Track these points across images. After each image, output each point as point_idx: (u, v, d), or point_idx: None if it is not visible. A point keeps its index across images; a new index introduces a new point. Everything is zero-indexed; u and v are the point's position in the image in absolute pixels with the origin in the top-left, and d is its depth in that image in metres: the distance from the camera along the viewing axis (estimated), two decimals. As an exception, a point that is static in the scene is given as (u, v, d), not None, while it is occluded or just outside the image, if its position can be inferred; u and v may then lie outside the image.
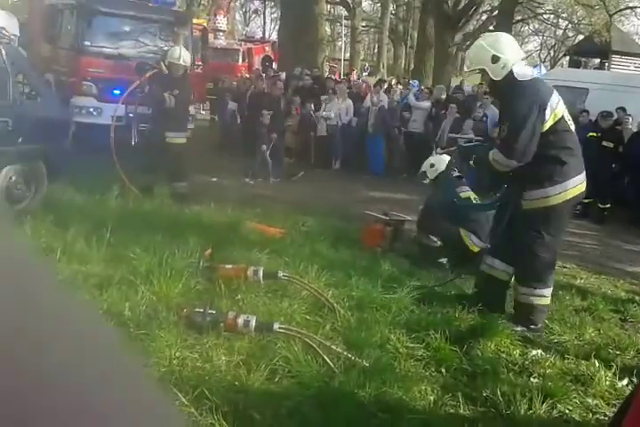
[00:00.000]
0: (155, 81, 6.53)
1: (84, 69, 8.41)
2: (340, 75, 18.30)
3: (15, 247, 0.26)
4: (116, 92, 8.19)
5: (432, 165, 5.35)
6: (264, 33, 32.32)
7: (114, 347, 0.27)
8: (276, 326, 3.29)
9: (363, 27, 29.14)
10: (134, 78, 7.81)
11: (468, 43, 17.93)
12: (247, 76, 13.75)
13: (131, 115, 7.99)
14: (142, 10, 9.21)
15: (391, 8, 29.58)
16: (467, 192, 5.21)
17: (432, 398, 2.96)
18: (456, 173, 5.37)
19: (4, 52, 5.26)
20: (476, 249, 4.87)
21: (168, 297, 3.60)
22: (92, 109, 8.33)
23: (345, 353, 3.20)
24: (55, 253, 3.99)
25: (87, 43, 8.54)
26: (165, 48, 9.56)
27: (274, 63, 17.00)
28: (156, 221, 5.15)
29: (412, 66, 21.95)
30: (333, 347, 3.24)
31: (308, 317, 3.65)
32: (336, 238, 5.29)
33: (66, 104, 7.40)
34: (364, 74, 25.94)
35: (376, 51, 34.33)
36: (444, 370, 3.26)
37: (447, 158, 5.26)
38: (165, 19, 9.52)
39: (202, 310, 3.32)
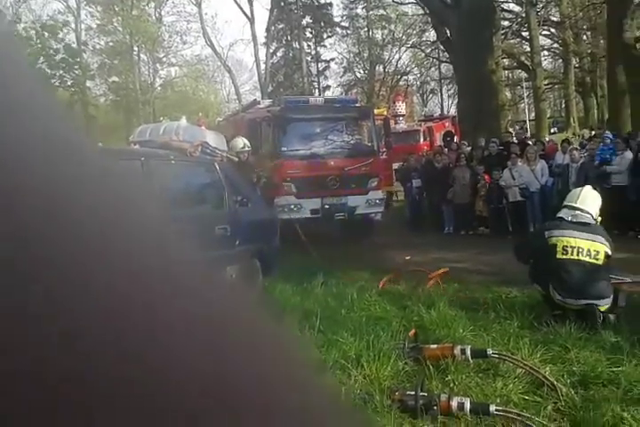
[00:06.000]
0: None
1: (283, 172, 9.35)
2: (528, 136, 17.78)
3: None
4: (311, 188, 9.01)
5: None
6: (442, 109, 33.02)
7: None
8: (492, 408, 3.16)
9: (546, 85, 28.37)
10: (326, 174, 8.47)
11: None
12: (427, 153, 14.05)
13: (326, 206, 8.63)
14: (329, 111, 10.12)
15: (574, 62, 28.58)
16: None
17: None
18: None
19: (218, 168, 6.11)
20: None
21: (379, 380, 3.67)
22: (292, 206, 9.16)
23: (573, 436, 2.95)
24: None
25: (284, 148, 9.53)
26: (352, 142, 10.34)
27: (455, 137, 17.18)
28: (358, 304, 5.36)
29: (607, 116, 20.65)
30: (559, 429, 3.01)
31: (525, 397, 3.44)
32: (545, 309, 4.98)
33: (271, 205, 8.23)
34: (553, 130, 24.97)
35: (563, 106, 33.03)
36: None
37: None
38: (350, 115, 10.32)
39: (414, 393, 3.33)
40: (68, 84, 25.93)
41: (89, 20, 32.11)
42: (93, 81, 30.46)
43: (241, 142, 7.93)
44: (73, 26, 29.83)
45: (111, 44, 31.94)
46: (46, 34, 25.05)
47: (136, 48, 31.81)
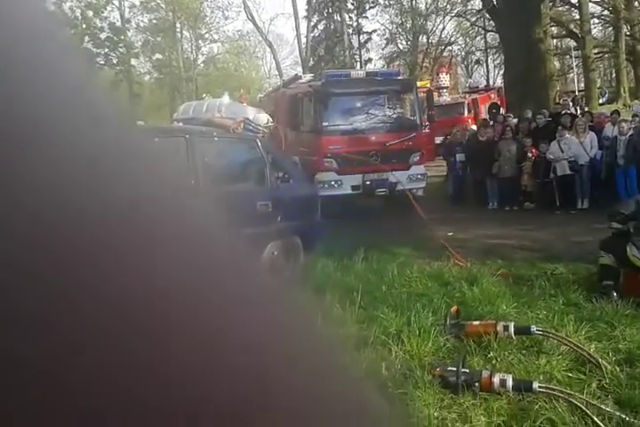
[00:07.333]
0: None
1: (324, 148, 9.33)
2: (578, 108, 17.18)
3: None
4: (352, 164, 9.00)
5: None
6: (488, 81, 32.10)
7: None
8: (535, 385, 3.15)
9: (595, 54, 27.23)
10: (368, 149, 8.46)
11: None
12: (472, 127, 13.73)
13: (367, 182, 8.62)
14: (370, 85, 9.98)
15: (625, 30, 27.30)
16: None
17: None
18: None
19: (260, 144, 6.14)
20: None
21: (420, 356, 3.69)
22: (333, 182, 9.16)
23: (618, 413, 2.91)
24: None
25: (325, 123, 9.49)
26: (394, 116, 10.20)
27: (501, 109, 16.74)
28: (398, 280, 5.36)
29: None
30: (603, 407, 2.97)
31: (569, 374, 3.41)
32: (592, 286, 4.89)
33: (312, 181, 8.24)
34: (601, 101, 24.03)
35: (613, 76, 31.71)
36: None
37: None
38: (392, 89, 10.15)
39: (455, 369, 3.34)
40: (114, 62, 26.30)
41: (132, -3, 32.32)
42: (138, 59, 30.79)
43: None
44: (116, 3, 30.07)
45: (154, 21, 32.12)
46: (90, 13, 25.37)
47: (179, 25, 31.93)
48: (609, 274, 4.79)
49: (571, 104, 15.96)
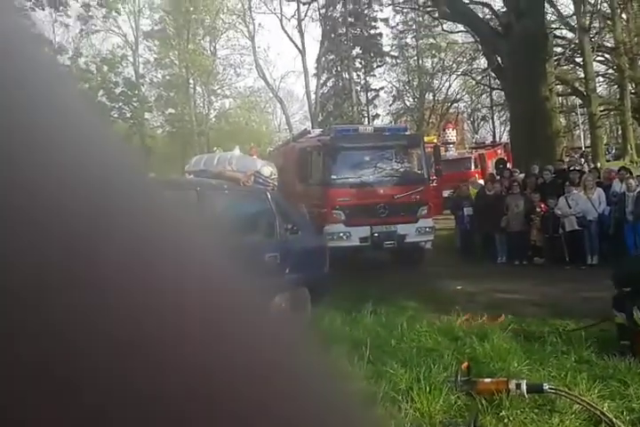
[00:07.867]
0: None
1: (333, 200, 9.43)
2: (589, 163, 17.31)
3: None
4: (361, 216, 9.08)
5: None
6: (494, 137, 32.59)
7: None
8: (548, 445, 3.07)
9: (601, 111, 27.69)
10: (376, 202, 8.52)
11: None
12: (479, 181, 13.90)
13: (376, 235, 8.64)
14: (378, 139, 10.18)
15: (630, 88, 27.90)
16: None
17: None
18: None
19: (269, 197, 6.22)
20: None
21: (430, 414, 3.60)
22: (341, 234, 9.19)
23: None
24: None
25: (334, 176, 9.62)
26: (401, 170, 10.35)
27: (508, 164, 16.93)
28: (407, 335, 5.29)
29: (666, 142, 19.95)
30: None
31: (583, 434, 3.32)
32: (604, 342, 4.81)
33: (320, 233, 8.27)
34: (607, 157, 24.28)
35: (620, 133, 32.14)
36: None
37: None
38: (399, 143, 10.34)
39: (466, 428, 3.25)
40: (127, 116, 26.98)
41: (147, 53, 33.57)
42: (151, 113, 31.58)
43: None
44: (131, 59, 31.14)
45: (168, 77, 33.16)
46: (106, 68, 26.24)
47: (192, 81, 32.91)
48: (625, 334, 4.70)
49: (583, 160, 16.11)
